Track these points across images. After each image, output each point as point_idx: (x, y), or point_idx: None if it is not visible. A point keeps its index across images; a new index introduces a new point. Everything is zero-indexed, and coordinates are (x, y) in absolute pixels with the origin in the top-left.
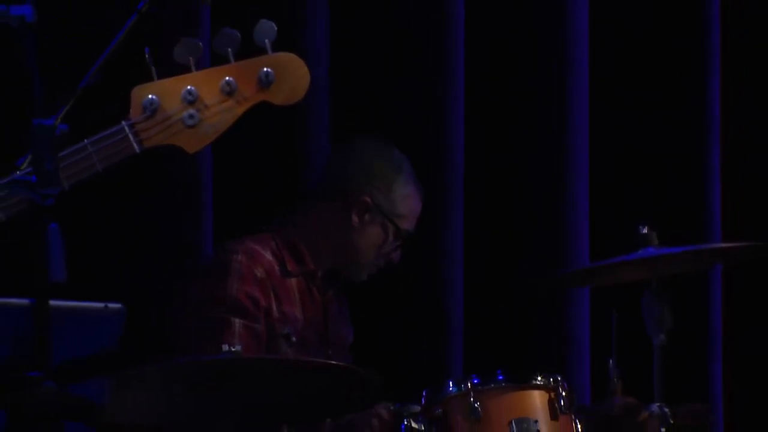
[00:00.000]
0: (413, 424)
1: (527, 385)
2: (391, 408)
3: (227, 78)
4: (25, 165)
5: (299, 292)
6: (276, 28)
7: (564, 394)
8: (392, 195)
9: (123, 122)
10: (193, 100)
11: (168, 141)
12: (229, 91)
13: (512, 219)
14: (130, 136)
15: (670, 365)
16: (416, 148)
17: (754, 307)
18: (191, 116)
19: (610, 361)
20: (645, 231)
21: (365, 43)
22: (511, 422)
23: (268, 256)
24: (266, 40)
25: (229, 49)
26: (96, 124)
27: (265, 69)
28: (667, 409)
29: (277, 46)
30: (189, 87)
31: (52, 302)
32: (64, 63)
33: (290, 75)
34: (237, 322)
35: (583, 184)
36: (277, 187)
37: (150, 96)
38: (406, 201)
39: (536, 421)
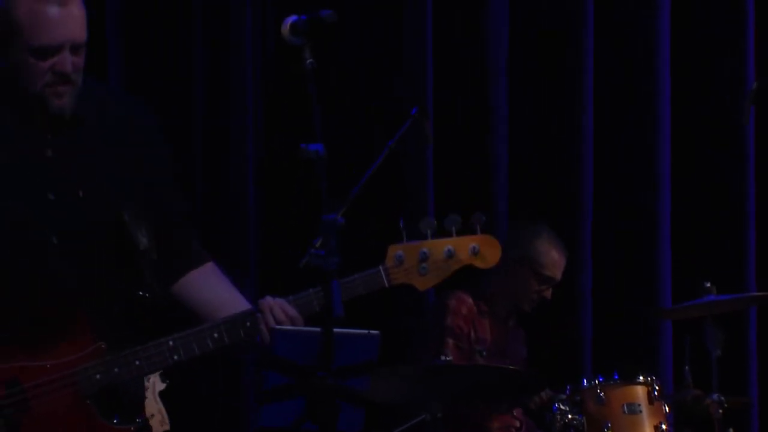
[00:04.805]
0: (561, 406)
1: (633, 381)
2: (548, 394)
3: (449, 247)
4: (318, 244)
5: (489, 323)
6: (485, 219)
7: (657, 387)
8: (543, 259)
9: (380, 267)
10: (425, 258)
11: (406, 281)
12: (450, 255)
13: (627, 270)
14: (383, 276)
15: (724, 370)
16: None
17: None
18: (424, 268)
19: (686, 367)
20: (708, 285)
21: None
22: (623, 405)
23: (470, 300)
24: (477, 226)
25: (453, 228)
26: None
27: (473, 244)
28: (722, 398)
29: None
30: (424, 249)
31: (335, 330)
32: (342, 178)
33: (489, 250)
34: (450, 341)
35: (666, 250)
36: None
37: (399, 252)
38: (552, 265)
39: (640, 405)
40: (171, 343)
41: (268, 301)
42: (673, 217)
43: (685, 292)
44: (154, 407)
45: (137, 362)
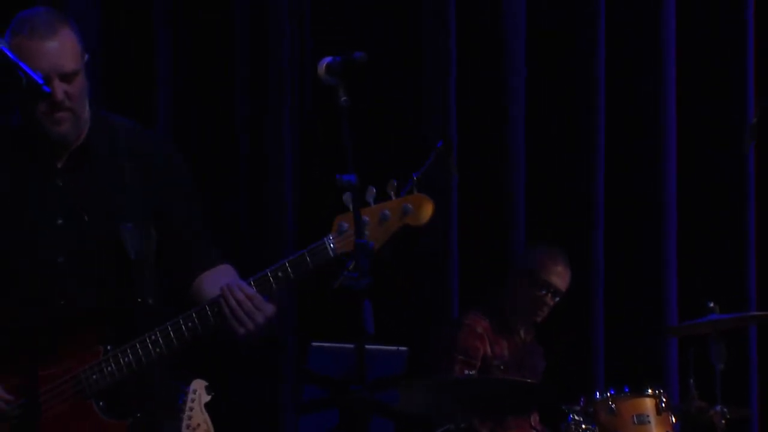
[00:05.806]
0: (576, 417)
1: (642, 394)
2: (562, 407)
3: (385, 211)
4: (351, 267)
5: (506, 340)
6: (415, 179)
7: (664, 399)
8: (542, 266)
9: (324, 238)
10: (365, 225)
11: (349, 249)
12: (384, 218)
13: (636, 291)
14: (328, 247)
15: (726, 383)
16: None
17: None
18: (365, 234)
19: (691, 380)
20: (711, 305)
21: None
22: (633, 416)
23: (486, 317)
24: (414, 189)
25: (392, 192)
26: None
27: (405, 204)
28: (725, 409)
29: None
30: (365, 216)
31: (366, 346)
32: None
33: (421, 208)
34: (458, 357)
35: (672, 272)
36: (494, 265)
37: (342, 222)
38: (553, 272)
39: (648, 415)
40: (153, 337)
41: (230, 282)
42: (679, 241)
43: (690, 310)
44: (200, 417)
45: (125, 359)
